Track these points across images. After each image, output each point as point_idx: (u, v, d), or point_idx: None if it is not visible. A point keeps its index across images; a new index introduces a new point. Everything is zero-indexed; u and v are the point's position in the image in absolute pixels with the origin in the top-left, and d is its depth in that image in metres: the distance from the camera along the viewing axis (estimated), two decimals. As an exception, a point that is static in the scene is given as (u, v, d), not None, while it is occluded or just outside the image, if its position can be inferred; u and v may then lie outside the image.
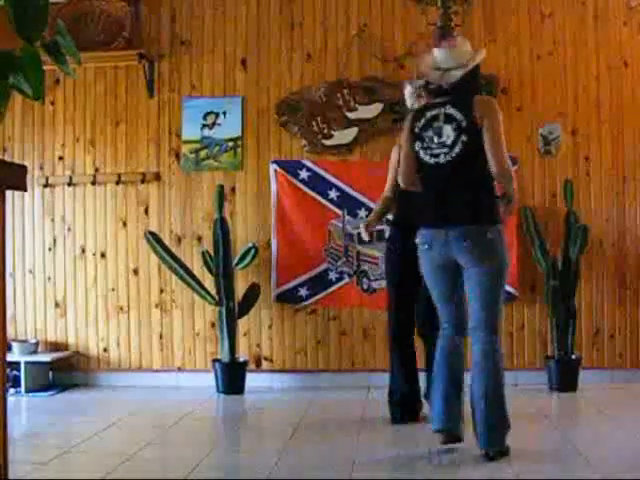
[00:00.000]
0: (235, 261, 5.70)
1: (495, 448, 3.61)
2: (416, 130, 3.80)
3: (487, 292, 3.68)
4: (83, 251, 6.03)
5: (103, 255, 6.03)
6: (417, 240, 3.84)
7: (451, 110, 3.70)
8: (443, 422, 3.74)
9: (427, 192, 3.84)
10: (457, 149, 3.67)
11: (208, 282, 5.71)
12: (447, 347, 3.83)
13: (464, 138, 3.66)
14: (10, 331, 5.88)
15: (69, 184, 6.03)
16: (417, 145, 3.79)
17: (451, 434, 3.74)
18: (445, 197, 3.73)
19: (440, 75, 3.75)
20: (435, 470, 3.53)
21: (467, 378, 3.75)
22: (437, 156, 3.72)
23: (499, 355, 3.69)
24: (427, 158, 3.76)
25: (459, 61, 3.73)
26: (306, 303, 5.87)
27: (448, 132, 3.68)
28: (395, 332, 4.56)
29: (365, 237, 4.77)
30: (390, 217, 4.83)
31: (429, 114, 3.77)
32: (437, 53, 3.78)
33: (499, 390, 3.65)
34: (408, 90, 4.49)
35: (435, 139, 3.72)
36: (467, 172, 3.71)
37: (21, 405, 5.34)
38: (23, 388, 5.57)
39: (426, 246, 3.78)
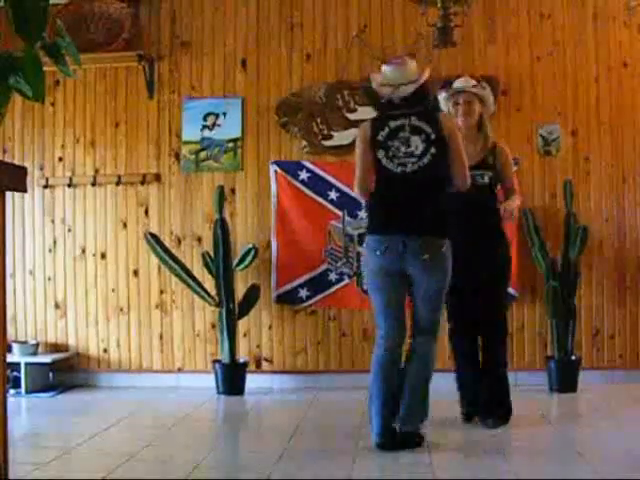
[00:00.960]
0: (235, 262, 5.71)
1: (408, 427, 3.87)
2: (379, 138, 3.90)
3: (435, 301, 3.92)
4: (83, 252, 6.03)
5: (103, 256, 6.03)
6: (368, 244, 3.95)
7: (417, 122, 3.86)
8: (382, 436, 3.86)
9: (389, 200, 3.93)
10: (425, 160, 3.84)
11: (208, 283, 5.72)
12: (384, 359, 3.97)
13: (433, 150, 3.84)
14: (10, 332, 5.88)
15: (69, 185, 6.03)
16: (380, 153, 3.90)
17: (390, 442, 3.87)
18: (408, 206, 3.85)
19: (391, 91, 3.92)
20: (435, 469, 3.52)
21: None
22: (404, 165, 3.85)
23: (433, 355, 3.99)
24: (392, 167, 3.87)
25: (408, 77, 3.91)
26: (306, 304, 5.87)
27: (417, 143, 3.84)
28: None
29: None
30: None
31: (393, 124, 3.90)
32: (387, 71, 3.97)
33: (426, 385, 3.95)
34: (443, 96, 4.50)
35: (402, 148, 3.86)
36: (432, 183, 3.88)
37: (21, 406, 5.34)
38: (23, 389, 5.57)
39: (378, 252, 3.86)
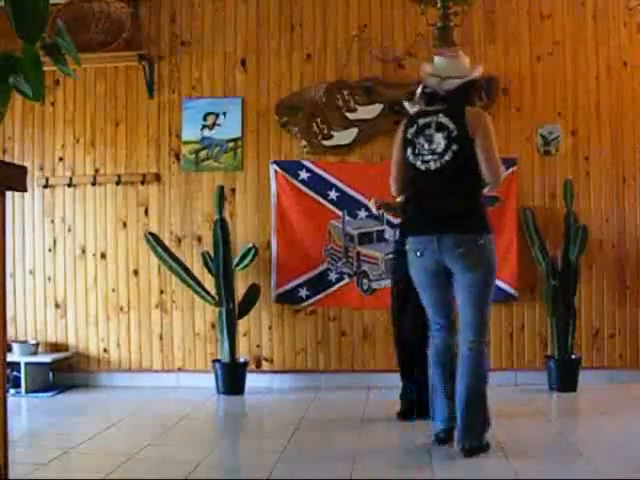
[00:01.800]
0: (235, 262, 5.71)
1: (472, 442, 3.69)
2: (408, 136, 3.91)
3: (477, 297, 3.78)
4: (83, 252, 6.03)
5: (103, 256, 6.03)
6: (408, 247, 3.92)
7: (443, 119, 3.81)
8: (447, 421, 3.86)
9: (418, 198, 3.93)
10: (447, 157, 3.77)
11: (208, 283, 5.72)
12: (440, 348, 3.93)
13: (454, 147, 3.77)
14: (10, 332, 5.88)
15: (69, 185, 6.03)
16: (408, 151, 3.89)
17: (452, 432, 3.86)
18: (436, 205, 3.81)
19: (438, 82, 3.87)
20: (435, 470, 3.52)
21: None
22: (427, 162, 3.82)
23: (485, 357, 3.78)
24: (418, 164, 3.85)
25: (458, 71, 3.86)
26: (306, 304, 5.87)
27: (439, 140, 3.79)
28: None
29: (373, 209, 4.95)
30: None
31: (421, 121, 3.88)
32: (438, 61, 3.92)
33: (481, 390, 3.74)
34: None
35: (426, 146, 3.83)
36: (457, 180, 3.79)
37: (21, 406, 5.34)
38: (23, 389, 5.57)
39: (418, 253, 3.85)
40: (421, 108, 4.02)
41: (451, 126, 3.78)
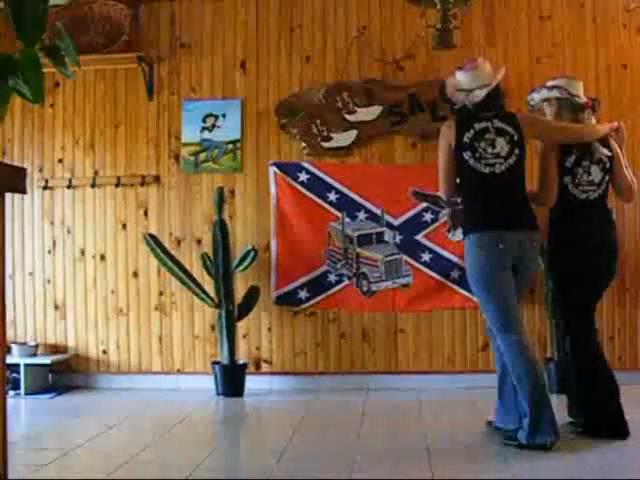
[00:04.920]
0: (234, 263, 5.71)
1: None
2: (465, 140, 3.99)
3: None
4: (83, 253, 6.04)
5: (103, 258, 6.03)
6: (480, 243, 3.96)
7: (500, 124, 3.99)
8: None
9: (487, 198, 4.03)
10: (511, 160, 3.99)
11: (207, 284, 5.72)
12: (522, 343, 3.96)
13: (517, 151, 3.99)
14: (10, 333, 5.88)
15: (69, 186, 6.04)
16: (467, 154, 3.99)
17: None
18: (510, 203, 4.01)
19: (465, 95, 4.02)
20: (436, 469, 3.52)
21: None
22: (492, 165, 3.98)
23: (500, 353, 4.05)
24: (480, 167, 3.98)
25: (482, 81, 4.01)
26: (305, 305, 5.87)
27: (502, 144, 3.97)
28: None
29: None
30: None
31: (477, 126, 4.00)
32: (461, 76, 4.07)
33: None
34: (542, 95, 4.35)
35: (489, 150, 3.97)
36: (519, 181, 4.04)
37: (21, 407, 5.34)
38: (23, 390, 5.57)
39: (501, 245, 3.93)
40: (468, 111, 4.08)
41: (511, 131, 3.99)
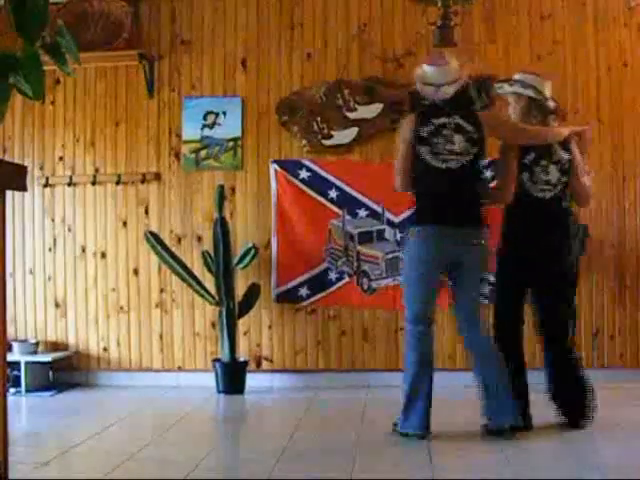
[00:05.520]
0: (235, 261, 5.71)
1: (518, 419, 4.00)
2: (423, 134, 3.99)
3: (478, 289, 4.17)
4: (83, 251, 6.03)
5: (103, 255, 6.03)
6: (420, 234, 4.02)
7: (460, 121, 3.98)
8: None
9: (435, 193, 4.05)
10: (467, 158, 3.98)
11: (208, 282, 5.72)
12: (426, 343, 4.09)
13: (474, 150, 3.98)
14: (10, 331, 5.88)
15: (69, 184, 6.03)
16: (423, 149, 3.98)
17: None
18: (459, 200, 4.01)
19: (434, 91, 4.01)
20: (436, 468, 3.53)
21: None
22: (447, 162, 3.98)
23: (493, 339, 4.18)
24: (435, 162, 3.98)
25: (452, 77, 3.99)
26: (306, 303, 5.87)
27: (459, 141, 3.96)
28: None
29: None
30: None
31: (436, 121, 3.99)
32: (430, 71, 4.02)
33: (506, 370, 4.08)
34: (513, 89, 4.29)
35: (446, 146, 3.96)
36: (472, 180, 4.04)
37: (21, 405, 5.34)
38: (23, 388, 5.57)
39: (432, 240, 3.99)
40: (428, 106, 4.11)
41: (470, 129, 3.97)
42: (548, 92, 4.25)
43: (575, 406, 4.22)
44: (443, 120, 3.98)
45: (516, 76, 4.31)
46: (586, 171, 4.31)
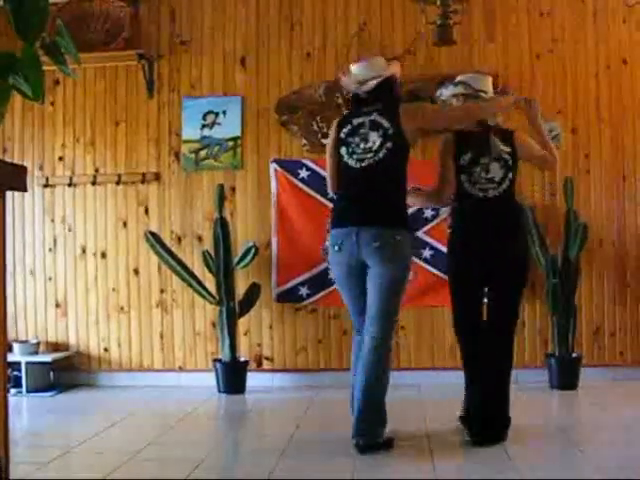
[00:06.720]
0: (235, 260, 5.71)
1: (367, 439, 3.76)
2: (342, 136, 4.00)
3: (387, 291, 3.83)
4: (83, 251, 6.04)
5: (103, 255, 6.03)
6: (327, 242, 4.04)
7: (377, 118, 3.93)
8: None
9: (345, 194, 4.01)
10: (381, 154, 3.88)
11: (208, 282, 5.72)
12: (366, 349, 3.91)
13: (389, 145, 3.88)
14: (11, 331, 5.88)
15: (69, 184, 6.03)
16: (342, 150, 3.99)
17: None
18: (362, 199, 3.91)
19: (358, 86, 4.01)
20: (438, 467, 3.52)
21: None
22: (362, 160, 3.92)
23: (386, 351, 3.86)
24: (352, 162, 3.95)
25: (374, 72, 3.99)
26: (306, 302, 5.87)
27: (374, 138, 3.91)
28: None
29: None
30: None
31: (355, 121, 3.99)
32: (356, 69, 4.06)
33: (380, 384, 3.82)
34: (450, 91, 4.28)
35: (361, 145, 3.93)
36: (388, 176, 3.91)
37: (22, 405, 5.34)
38: (24, 388, 5.58)
39: (336, 247, 3.91)
40: (353, 109, 4.12)
41: (385, 124, 3.90)
42: (482, 86, 4.16)
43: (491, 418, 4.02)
44: (362, 119, 3.95)
45: (457, 79, 4.29)
46: (546, 142, 4.19)
